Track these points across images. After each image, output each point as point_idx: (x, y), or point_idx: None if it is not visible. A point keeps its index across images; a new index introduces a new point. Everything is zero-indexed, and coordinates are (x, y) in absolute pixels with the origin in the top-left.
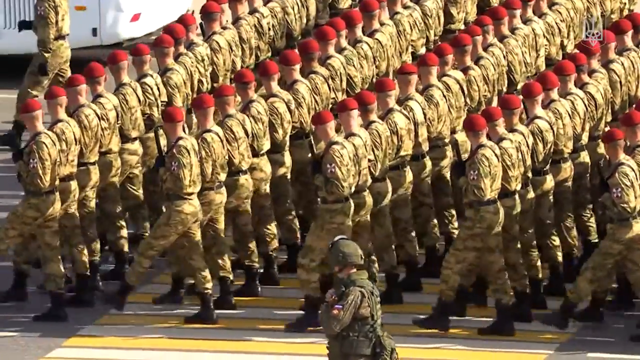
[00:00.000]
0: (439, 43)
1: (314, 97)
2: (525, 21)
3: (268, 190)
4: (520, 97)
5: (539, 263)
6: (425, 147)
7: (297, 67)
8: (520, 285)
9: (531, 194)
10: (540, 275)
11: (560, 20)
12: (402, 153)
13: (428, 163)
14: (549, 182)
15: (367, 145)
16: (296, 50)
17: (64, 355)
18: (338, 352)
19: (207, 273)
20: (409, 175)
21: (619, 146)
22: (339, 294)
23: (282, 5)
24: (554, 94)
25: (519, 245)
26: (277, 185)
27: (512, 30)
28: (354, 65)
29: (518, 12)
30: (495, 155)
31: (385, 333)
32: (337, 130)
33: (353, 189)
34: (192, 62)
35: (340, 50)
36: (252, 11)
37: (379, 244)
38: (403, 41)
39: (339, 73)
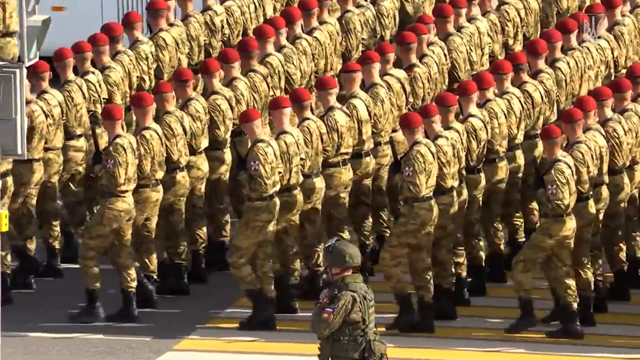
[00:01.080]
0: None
1: (252, 95)
2: (470, 19)
3: (203, 190)
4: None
5: (465, 262)
6: (370, 145)
7: (237, 64)
8: (446, 283)
9: (465, 192)
10: (464, 274)
11: (507, 20)
12: (342, 150)
13: (372, 161)
14: (483, 180)
15: (299, 143)
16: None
17: (174, 358)
18: (329, 354)
19: (132, 272)
20: (349, 173)
21: (556, 143)
22: (331, 296)
23: (240, 3)
24: (490, 93)
25: (450, 243)
26: (216, 182)
27: (459, 28)
28: (293, 63)
29: (464, 11)
30: (431, 152)
31: (376, 337)
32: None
33: (278, 187)
34: (131, 60)
35: (279, 48)
36: (205, 9)
37: (308, 241)
38: (353, 40)
39: (277, 71)
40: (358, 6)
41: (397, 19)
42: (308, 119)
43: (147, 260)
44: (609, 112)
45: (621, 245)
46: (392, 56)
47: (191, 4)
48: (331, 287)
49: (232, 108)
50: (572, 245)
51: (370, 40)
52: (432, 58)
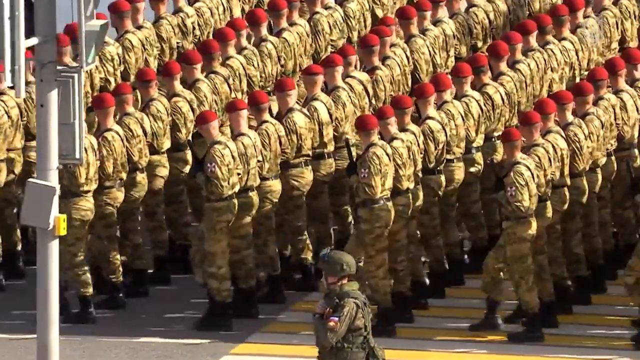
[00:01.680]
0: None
1: (214, 96)
2: (436, 22)
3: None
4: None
5: (423, 264)
6: (331, 147)
7: (199, 66)
8: (403, 287)
9: (421, 194)
10: (425, 279)
11: (476, 22)
12: (302, 152)
13: (333, 163)
14: (441, 181)
15: (256, 145)
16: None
17: None
18: None
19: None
20: (309, 175)
21: (516, 146)
22: (332, 305)
23: (210, 5)
24: (447, 95)
25: (406, 244)
26: (174, 183)
27: (423, 31)
28: (254, 65)
29: (428, 14)
30: (387, 154)
31: (376, 344)
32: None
33: (237, 188)
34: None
35: (240, 50)
36: (177, 11)
37: (263, 242)
38: (322, 41)
39: (238, 73)
40: (326, 8)
41: (369, 21)
42: (266, 121)
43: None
44: (569, 116)
45: (582, 250)
46: (354, 58)
47: (164, 7)
48: (328, 296)
49: (193, 110)
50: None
51: (339, 42)
52: (394, 60)
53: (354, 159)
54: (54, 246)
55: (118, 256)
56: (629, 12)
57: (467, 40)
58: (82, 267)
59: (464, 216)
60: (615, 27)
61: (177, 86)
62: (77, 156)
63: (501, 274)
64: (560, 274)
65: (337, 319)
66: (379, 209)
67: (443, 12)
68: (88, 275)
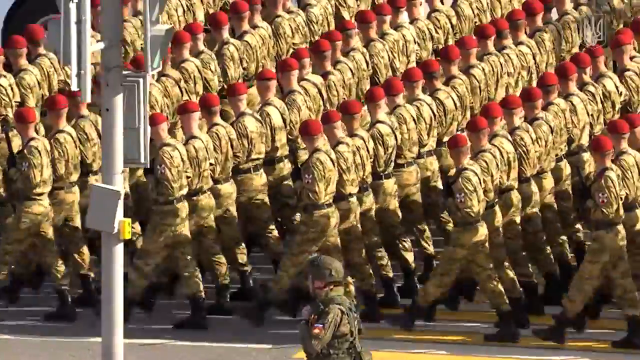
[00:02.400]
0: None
1: (165, 99)
2: (397, 27)
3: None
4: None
5: (388, 263)
6: (284, 151)
7: None
8: (364, 285)
9: (371, 197)
10: (391, 275)
11: (438, 27)
12: (253, 156)
13: (285, 167)
14: (392, 185)
15: (208, 148)
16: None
17: None
18: None
19: (62, 268)
20: (262, 178)
21: (463, 152)
22: (318, 312)
23: (166, 7)
24: (399, 100)
25: (361, 246)
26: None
27: (382, 35)
28: (211, 69)
29: (388, 18)
30: (331, 159)
31: (363, 348)
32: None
33: (186, 190)
34: (52, 63)
35: (197, 53)
36: (136, 14)
37: (226, 244)
38: (283, 44)
39: (192, 76)
40: (289, 12)
41: (333, 25)
42: (217, 124)
43: (79, 259)
44: (517, 121)
45: (546, 249)
46: (307, 61)
47: (126, 9)
48: (314, 302)
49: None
50: (488, 250)
51: (302, 46)
52: (345, 65)
53: (299, 165)
54: (119, 250)
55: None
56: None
57: (429, 45)
58: (6, 266)
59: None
60: (577, 32)
61: None
62: (142, 160)
63: (494, 282)
64: (526, 273)
65: (321, 325)
66: (319, 215)
67: (404, 17)
68: (4, 275)
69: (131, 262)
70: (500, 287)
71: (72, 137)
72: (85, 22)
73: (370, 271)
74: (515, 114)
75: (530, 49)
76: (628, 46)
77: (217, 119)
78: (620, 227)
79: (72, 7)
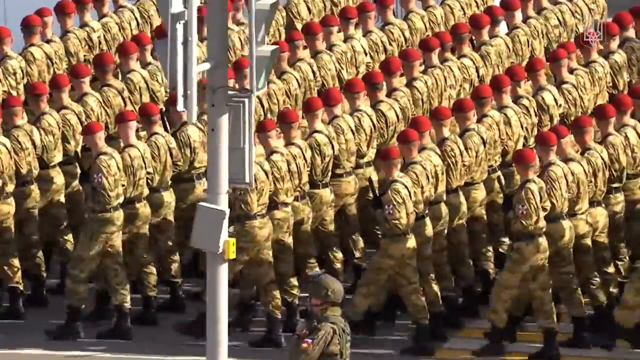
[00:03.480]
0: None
1: (105, 109)
2: (347, 39)
3: (63, 200)
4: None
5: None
6: None
7: (87, 79)
8: (289, 296)
9: (308, 207)
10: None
11: (392, 40)
12: (196, 165)
13: None
14: (328, 195)
15: (145, 157)
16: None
17: None
18: None
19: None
20: (203, 187)
21: (394, 164)
22: (310, 328)
23: (118, 20)
24: (337, 110)
25: (291, 257)
26: (73, 194)
27: (330, 46)
28: (158, 81)
29: (335, 29)
30: (264, 170)
31: None
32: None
33: (122, 199)
34: None
35: (145, 64)
36: (83, 25)
37: (161, 252)
38: (232, 56)
39: (138, 87)
40: (238, 24)
41: (284, 37)
42: (156, 133)
43: (9, 272)
44: (446, 132)
45: (468, 262)
46: (247, 72)
47: (70, 20)
48: (309, 319)
49: (82, 123)
50: (415, 263)
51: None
52: (291, 75)
53: None
54: (224, 269)
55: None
56: (537, 31)
57: (382, 57)
58: None
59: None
60: (527, 45)
61: (65, 99)
62: (247, 180)
63: (418, 296)
64: (448, 287)
65: (310, 341)
66: (250, 225)
67: (353, 29)
68: None
69: (66, 272)
70: (423, 301)
71: (6, 147)
72: (192, 43)
73: (296, 282)
74: (444, 125)
75: (474, 62)
76: (565, 60)
77: (157, 128)
78: (542, 240)
79: (179, 27)
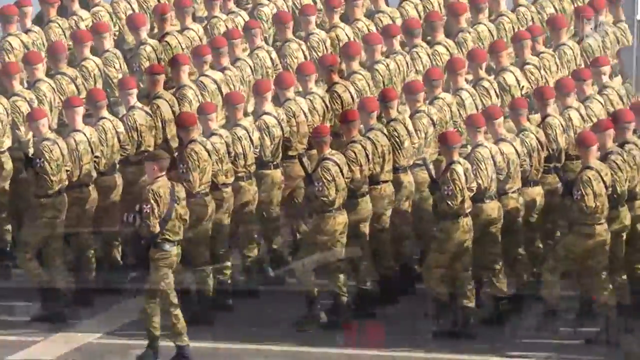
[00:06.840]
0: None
1: (59, 96)
2: (331, 27)
3: (7, 187)
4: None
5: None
6: (174, 143)
7: (39, 66)
8: (223, 276)
9: (254, 187)
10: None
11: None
12: (142, 148)
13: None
14: (278, 176)
15: (92, 141)
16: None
17: None
18: None
19: None
20: None
21: (325, 142)
22: None
23: (112, 10)
24: (290, 93)
25: (224, 238)
26: (21, 181)
27: (308, 35)
28: (114, 67)
29: (313, 18)
30: (206, 150)
31: None
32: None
33: (66, 184)
34: None
35: (102, 52)
36: (71, 14)
37: (104, 237)
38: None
39: (92, 74)
40: (229, 13)
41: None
42: (103, 117)
43: None
44: (393, 113)
45: (406, 243)
46: (209, 57)
47: (53, 10)
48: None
49: (32, 109)
50: (345, 240)
51: (243, 46)
52: (245, 61)
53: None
54: None
55: None
56: (526, 19)
57: None
58: None
59: None
60: (512, 32)
61: (17, 86)
62: None
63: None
64: (389, 265)
65: None
66: (194, 204)
67: (338, 18)
68: None
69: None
70: (344, 278)
71: None
72: None
73: (229, 263)
74: (390, 107)
75: (448, 49)
76: (528, 41)
77: (104, 112)
78: (467, 219)
79: None
